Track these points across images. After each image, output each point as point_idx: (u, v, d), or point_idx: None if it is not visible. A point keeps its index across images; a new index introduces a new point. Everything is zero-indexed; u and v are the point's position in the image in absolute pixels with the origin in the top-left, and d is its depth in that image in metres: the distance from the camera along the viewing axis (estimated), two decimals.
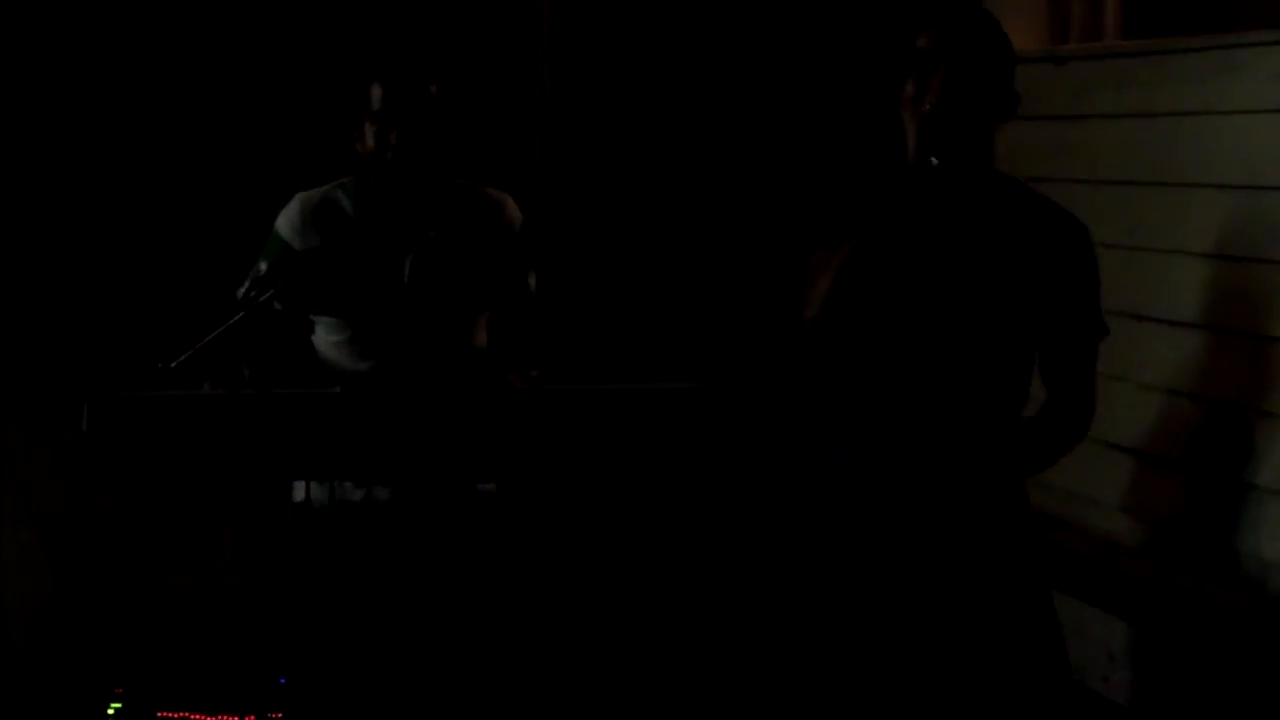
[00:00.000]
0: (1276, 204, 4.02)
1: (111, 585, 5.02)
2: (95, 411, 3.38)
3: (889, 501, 3.38)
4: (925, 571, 3.38)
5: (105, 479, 3.43)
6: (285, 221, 3.96)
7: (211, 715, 3.84)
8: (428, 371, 3.91)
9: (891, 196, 3.28)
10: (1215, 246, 4.19)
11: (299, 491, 3.95)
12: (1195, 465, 4.19)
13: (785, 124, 5.41)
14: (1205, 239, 4.23)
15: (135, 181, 5.22)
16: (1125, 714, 4.18)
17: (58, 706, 4.86)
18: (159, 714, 3.84)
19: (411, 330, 3.92)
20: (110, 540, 5.02)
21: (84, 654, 4.99)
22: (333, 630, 3.94)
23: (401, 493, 3.91)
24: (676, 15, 5.48)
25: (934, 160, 3.25)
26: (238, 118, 5.23)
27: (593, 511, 5.07)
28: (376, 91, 3.81)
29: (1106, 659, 4.25)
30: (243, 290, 3.89)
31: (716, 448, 4.18)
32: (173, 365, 3.33)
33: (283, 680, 3.86)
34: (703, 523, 5.13)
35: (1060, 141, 4.81)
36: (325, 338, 3.98)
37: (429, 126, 3.80)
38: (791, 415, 4.85)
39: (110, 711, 3.84)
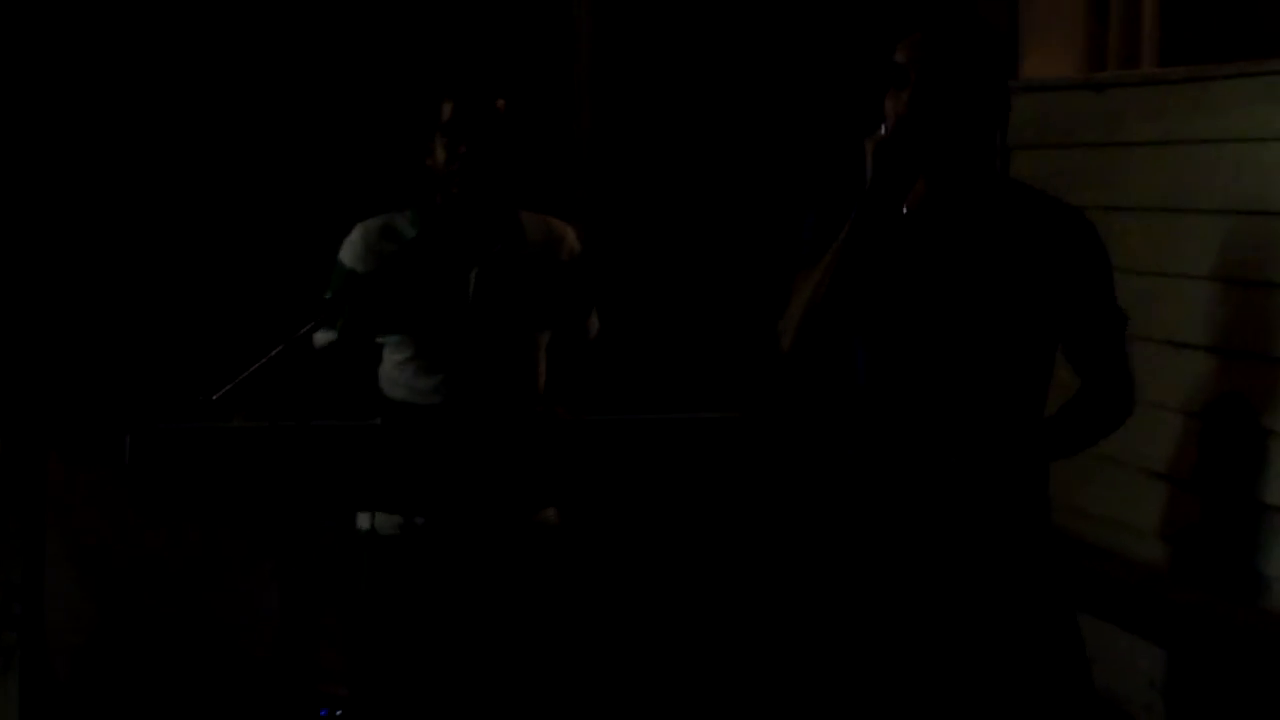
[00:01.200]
0: None
1: (155, 617, 5.02)
2: (138, 444, 3.39)
3: (908, 509, 3.35)
4: (942, 577, 3.35)
5: (148, 511, 3.44)
6: (349, 249, 4.03)
7: None
8: (491, 394, 3.96)
9: (858, 220, 3.26)
10: (1253, 273, 4.16)
11: (364, 520, 3.99)
12: (1234, 490, 4.16)
13: (825, 156, 5.39)
14: (1243, 266, 4.20)
15: (179, 215, 5.24)
16: None
17: None
18: None
19: (476, 347, 3.96)
20: (153, 572, 5.03)
21: (127, 687, 4.99)
22: (392, 659, 3.97)
23: (449, 522, 3.94)
24: (723, 34, 5.49)
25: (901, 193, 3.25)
26: (285, 152, 5.25)
27: (638, 536, 5.06)
28: (447, 106, 3.92)
29: (1149, 687, 4.21)
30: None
31: (757, 473, 4.22)
32: (215, 398, 3.37)
33: (324, 713, 3.87)
34: (747, 546, 5.11)
35: (1098, 168, 4.78)
36: (390, 358, 4.01)
37: (497, 141, 3.91)
38: (797, 436, 4.81)
39: None
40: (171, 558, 5.03)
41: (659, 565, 5.15)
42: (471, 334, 3.96)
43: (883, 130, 3.26)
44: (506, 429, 3.89)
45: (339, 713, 4.09)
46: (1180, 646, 4.15)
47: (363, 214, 4.10)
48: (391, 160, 4.37)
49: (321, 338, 3.95)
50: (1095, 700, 3.59)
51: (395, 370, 4.01)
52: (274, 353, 3.49)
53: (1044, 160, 5.04)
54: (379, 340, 4.01)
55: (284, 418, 3.46)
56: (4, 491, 4.94)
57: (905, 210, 3.35)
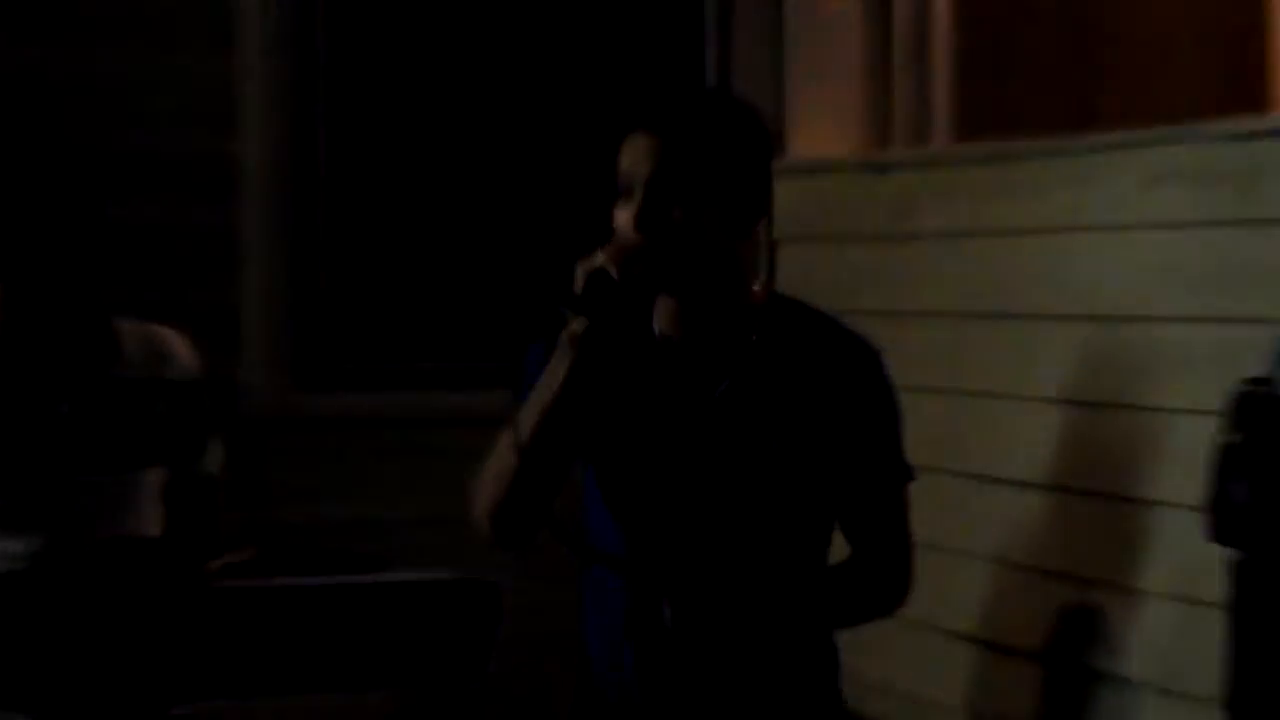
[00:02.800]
0: (1134, 338, 3.90)
1: None
2: None
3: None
4: None
5: None
6: None
7: None
8: (95, 554, 3.73)
9: (568, 364, 2.99)
10: (1066, 390, 4.02)
11: None
12: (1048, 654, 4.01)
13: None
14: (1054, 381, 4.05)
15: None
16: None
17: None
18: None
19: (67, 489, 3.71)
20: None
21: None
22: None
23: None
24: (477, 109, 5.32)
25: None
26: None
27: None
28: None
29: None
30: None
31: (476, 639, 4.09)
32: None
33: None
34: None
35: (881, 265, 4.69)
36: None
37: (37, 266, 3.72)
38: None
39: None
40: None
41: None
42: (60, 474, 3.72)
43: (601, 251, 3.00)
44: (127, 598, 3.66)
45: None
46: None
47: None
48: None
49: None
50: None
51: None
52: None
53: (816, 256, 4.98)
54: None
55: None
56: None
57: (656, 335, 3.12)
